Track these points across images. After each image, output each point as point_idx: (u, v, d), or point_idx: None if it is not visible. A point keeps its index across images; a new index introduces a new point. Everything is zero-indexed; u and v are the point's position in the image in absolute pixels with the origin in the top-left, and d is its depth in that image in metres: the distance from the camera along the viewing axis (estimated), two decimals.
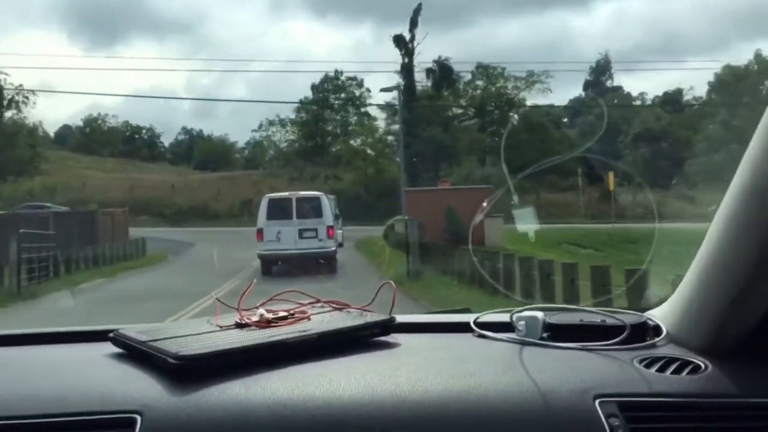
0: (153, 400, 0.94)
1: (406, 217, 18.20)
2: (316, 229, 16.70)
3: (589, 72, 50.21)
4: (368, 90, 50.29)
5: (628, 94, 50.24)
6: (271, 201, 17.09)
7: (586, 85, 50.90)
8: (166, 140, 61.25)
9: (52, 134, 55.10)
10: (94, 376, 1.05)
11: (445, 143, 43.53)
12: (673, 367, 1.06)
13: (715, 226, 1.06)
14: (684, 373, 1.05)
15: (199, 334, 1.12)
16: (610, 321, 1.16)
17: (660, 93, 47.35)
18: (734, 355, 1.09)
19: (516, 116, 46.39)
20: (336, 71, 50.29)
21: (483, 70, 47.43)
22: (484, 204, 1.38)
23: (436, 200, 24.29)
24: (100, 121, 57.20)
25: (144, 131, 59.35)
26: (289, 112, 52.52)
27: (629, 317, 1.17)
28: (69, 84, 75.79)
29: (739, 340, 1.09)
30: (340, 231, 19.95)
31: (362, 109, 50.22)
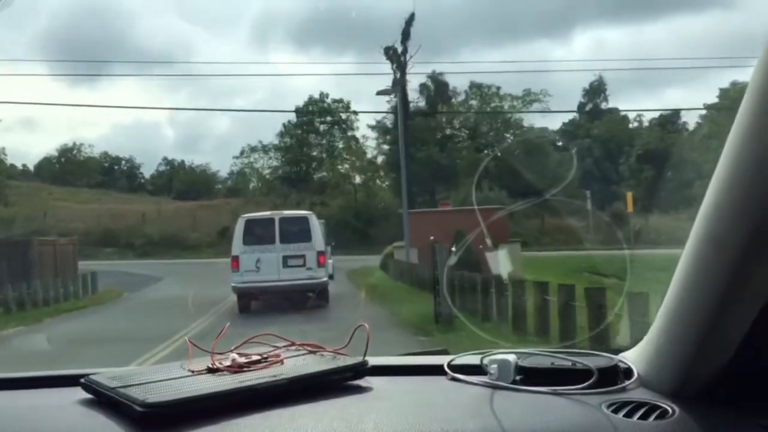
0: None
1: (431, 238, 15.69)
2: (303, 256, 14.79)
3: (582, 93, 51.34)
4: (355, 113, 50.59)
5: (625, 116, 51.39)
6: (249, 222, 15.10)
7: (581, 107, 51.98)
8: (148, 171, 62.42)
9: (31, 167, 56.98)
10: (62, 424, 1.11)
11: (442, 164, 43.13)
12: (640, 412, 1.12)
13: (680, 271, 1.14)
14: (651, 418, 1.11)
15: (169, 379, 1.18)
16: (579, 365, 1.23)
17: (657, 114, 48.53)
18: (701, 400, 1.16)
19: (511, 138, 46.91)
20: (321, 93, 50.67)
21: (476, 89, 47.91)
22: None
23: (443, 223, 21.84)
24: (75, 151, 57.93)
25: (123, 162, 60.59)
26: (272, 138, 52.84)
27: (600, 360, 1.25)
28: (51, 118, 78.71)
29: (706, 385, 1.16)
30: (330, 261, 18.26)
31: (349, 133, 50.38)
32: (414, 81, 46.20)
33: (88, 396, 1.20)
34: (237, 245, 14.84)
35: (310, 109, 50.78)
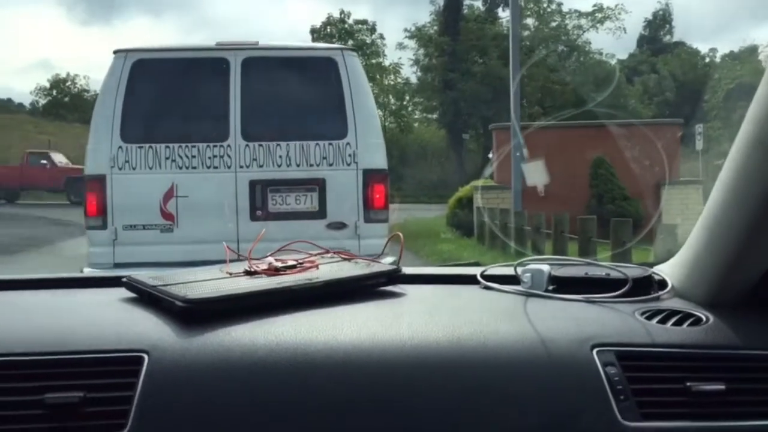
0: (160, 340, 1.22)
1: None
2: (320, 183, 6.13)
3: (644, 26, 50.61)
4: (382, 36, 49.53)
5: (696, 50, 51.39)
6: (144, 68, 6.09)
7: (642, 41, 51.44)
8: None
9: (39, 105, 59.14)
10: (106, 317, 1.36)
11: (507, 82, 37.33)
12: (674, 319, 1.34)
13: (721, 182, 1.33)
14: (685, 325, 1.32)
15: (208, 280, 1.43)
16: (614, 274, 1.45)
17: (731, 50, 48.24)
18: (736, 308, 1.37)
19: (577, 64, 45.43)
20: (342, 12, 49.44)
21: (533, 4, 45.98)
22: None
23: (567, 145, 14.82)
24: (69, 83, 58.96)
25: None
26: None
27: (634, 271, 1.47)
28: (67, 58, 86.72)
29: (742, 294, 1.37)
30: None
31: (374, 61, 49.00)
32: None
33: (131, 294, 1.45)
34: (99, 143, 6.05)
35: (328, 30, 49.91)
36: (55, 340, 1.24)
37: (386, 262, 1.58)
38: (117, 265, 5.92)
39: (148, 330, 1.27)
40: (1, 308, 1.44)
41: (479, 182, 18.65)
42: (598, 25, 45.77)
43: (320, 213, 6.11)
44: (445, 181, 30.48)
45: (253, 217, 6.01)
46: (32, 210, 25.08)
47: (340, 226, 6.15)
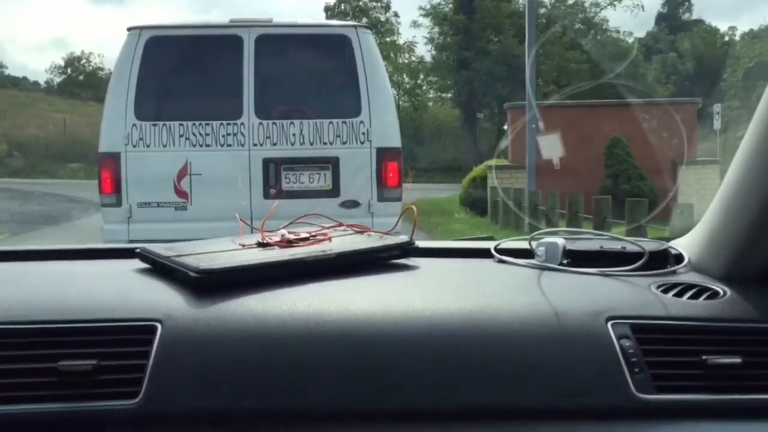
0: (174, 310, 1.23)
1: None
2: (333, 162, 6.18)
3: (662, 4, 50.57)
4: (396, 15, 49.15)
5: (715, 28, 51.80)
6: (155, 43, 6.13)
7: (659, 19, 51.50)
8: None
9: (54, 83, 59.85)
10: (120, 287, 1.37)
11: (522, 60, 34.12)
12: (690, 292, 1.33)
13: (740, 156, 1.32)
14: (701, 298, 1.32)
15: (221, 251, 1.43)
16: (630, 248, 1.44)
17: (750, 28, 48.19)
18: (753, 282, 1.36)
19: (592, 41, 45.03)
20: None
21: None
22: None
23: (582, 124, 15.10)
24: (83, 61, 59.14)
25: None
26: None
27: (650, 244, 1.46)
28: (81, 36, 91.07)
29: (759, 268, 1.36)
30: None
31: (388, 39, 48.54)
32: None
33: (144, 265, 1.46)
34: (113, 120, 6.11)
35: (342, 8, 49.61)
36: (69, 309, 1.24)
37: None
38: (131, 243, 5.16)
39: (162, 300, 1.27)
40: (16, 278, 1.46)
41: (493, 162, 18.40)
42: (615, 2, 45.39)
43: (334, 191, 6.16)
44: (459, 161, 30.42)
45: (267, 195, 6.02)
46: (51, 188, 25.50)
47: (354, 204, 6.17)
